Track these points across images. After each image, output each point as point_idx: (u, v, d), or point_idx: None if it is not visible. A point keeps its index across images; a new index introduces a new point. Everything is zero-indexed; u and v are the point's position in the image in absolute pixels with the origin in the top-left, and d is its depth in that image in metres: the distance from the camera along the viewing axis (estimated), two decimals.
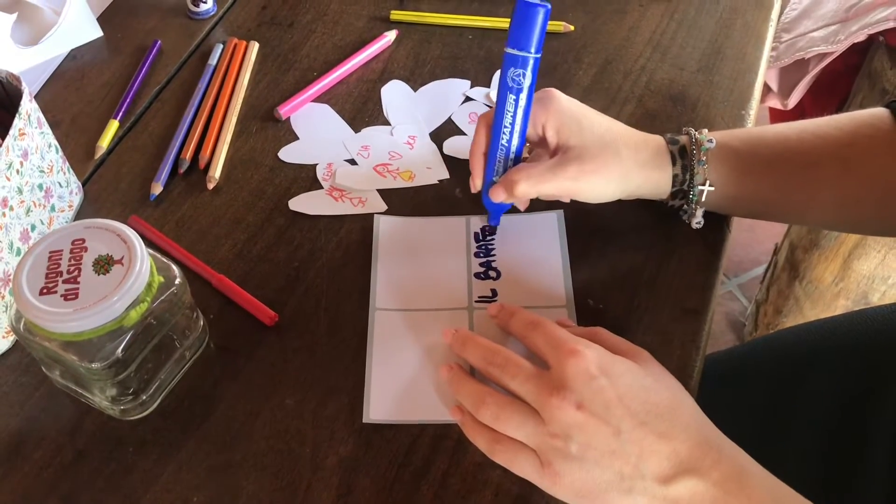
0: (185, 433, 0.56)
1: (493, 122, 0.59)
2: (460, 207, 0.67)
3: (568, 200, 0.62)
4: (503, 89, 0.57)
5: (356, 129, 0.73)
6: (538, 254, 0.63)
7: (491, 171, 0.61)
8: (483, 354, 0.54)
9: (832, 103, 1.31)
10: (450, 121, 0.73)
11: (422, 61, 0.79)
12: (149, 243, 0.65)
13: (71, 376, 0.55)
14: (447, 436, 0.55)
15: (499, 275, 0.62)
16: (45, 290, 0.50)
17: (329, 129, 0.73)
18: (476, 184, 0.62)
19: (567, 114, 0.59)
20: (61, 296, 0.50)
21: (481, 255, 0.63)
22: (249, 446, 0.55)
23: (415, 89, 0.76)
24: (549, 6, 0.55)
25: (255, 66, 0.79)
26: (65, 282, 0.50)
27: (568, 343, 0.50)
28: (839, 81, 1.26)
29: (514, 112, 0.58)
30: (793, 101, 1.24)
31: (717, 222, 0.64)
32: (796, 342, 0.75)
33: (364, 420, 0.55)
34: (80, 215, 0.68)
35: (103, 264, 0.51)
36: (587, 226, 0.65)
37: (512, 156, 0.60)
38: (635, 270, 0.62)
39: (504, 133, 0.59)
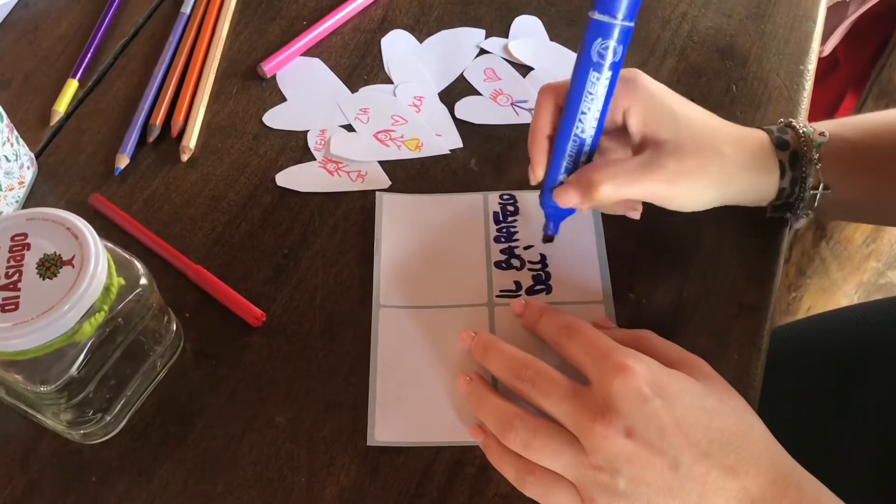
0: (158, 458, 0.47)
1: (567, 104, 0.47)
2: (476, 182, 0.57)
3: (638, 216, 0.52)
4: (585, 65, 0.46)
5: (353, 89, 0.63)
6: (569, 238, 0.54)
7: (558, 166, 0.49)
8: (509, 366, 0.45)
9: (867, 50, 1.21)
10: (462, 78, 0.64)
11: (428, 7, 0.68)
12: (113, 227, 0.56)
13: (17, 395, 0.46)
14: (467, 461, 0.47)
15: (523, 264, 0.53)
16: None
17: (321, 89, 0.63)
18: (537, 174, 0.50)
19: (657, 101, 0.49)
20: None
21: (502, 240, 0.54)
22: (233, 474, 0.47)
23: (420, 41, 0.66)
24: None
25: (235, 14, 0.68)
26: (2, 288, 0.41)
27: (613, 355, 0.42)
28: (878, 26, 1.16)
29: (595, 94, 0.46)
30: (828, 47, 1.14)
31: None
32: (850, 325, 0.67)
33: (368, 442, 0.47)
34: (33, 193, 0.58)
35: (49, 266, 0.42)
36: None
37: (587, 149, 0.49)
38: (683, 258, 0.53)
39: (581, 120, 0.47)
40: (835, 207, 0.52)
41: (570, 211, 0.51)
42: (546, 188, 0.50)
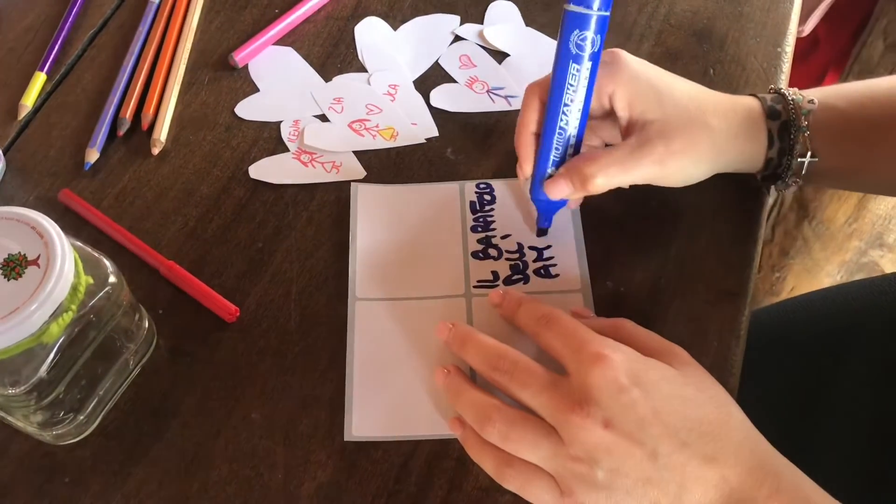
0: (132, 458, 0.47)
1: (550, 98, 0.47)
2: (453, 171, 0.57)
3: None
4: (564, 57, 0.46)
5: (326, 78, 0.62)
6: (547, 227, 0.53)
7: (545, 159, 0.49)
8: (486, 357, 0.45)
9: (848, 28, 1.21)
10: (437, 65, 0.63)
11: None
12: (84, 223, 0.55)
13: None
14: (446, 454, 0.46)
15: (500, 253, 0.53)
16: None
17: (294, 79, 0.62)
18: (525, 170, 0.50)
19: (641, 81, 0.48)
20: None
21: (479, 229, 0.54)
22: (209, 473, 0.46)
23: (395, 28, 0.65)
24: None
25: (206, 3, 0.67)
26: None
27: (591, 345, 0.42)
28: (858, 4, 1.16)
29: (577, 86, 0.46)
30: (809, 27, 1.13)
31: (753, 185, 0.54)
32: (834, 306, 0.67)
33: (346, 437, 0.47)
34: (1, 190, 0.57)
35: (14, 266, 0.41)
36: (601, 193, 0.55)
37: (573, 140, 0.48)
38: (661, 244, 0.53)
39: (564, 113, 0.47)
40: (822, 176, 0.51)
41: (562, 203, 0.50)
42: (535, 182, 0.50)
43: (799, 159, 0.50)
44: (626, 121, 0.49)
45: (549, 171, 0.49)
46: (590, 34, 0.45)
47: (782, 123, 0.50)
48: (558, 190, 0.49)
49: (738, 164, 0.51)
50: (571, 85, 0.46)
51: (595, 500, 0.40)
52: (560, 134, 0.48)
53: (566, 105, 0.47)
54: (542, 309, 0.46)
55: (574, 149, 0.49)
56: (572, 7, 0.44)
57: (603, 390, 0.40)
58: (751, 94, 0.52)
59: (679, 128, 0.48)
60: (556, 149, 0.48)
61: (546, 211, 0.52)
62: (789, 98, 0.50)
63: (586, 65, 0.45)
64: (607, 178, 0.47)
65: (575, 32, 0.45)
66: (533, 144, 0.50)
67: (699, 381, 0.42)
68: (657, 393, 0.40)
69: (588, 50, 0.45)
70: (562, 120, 0.47)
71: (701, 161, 0.49)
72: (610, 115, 0.50)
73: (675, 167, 0.48)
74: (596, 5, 0.44)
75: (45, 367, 0.42)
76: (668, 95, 0.49)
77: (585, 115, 0.48)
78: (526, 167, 0.50)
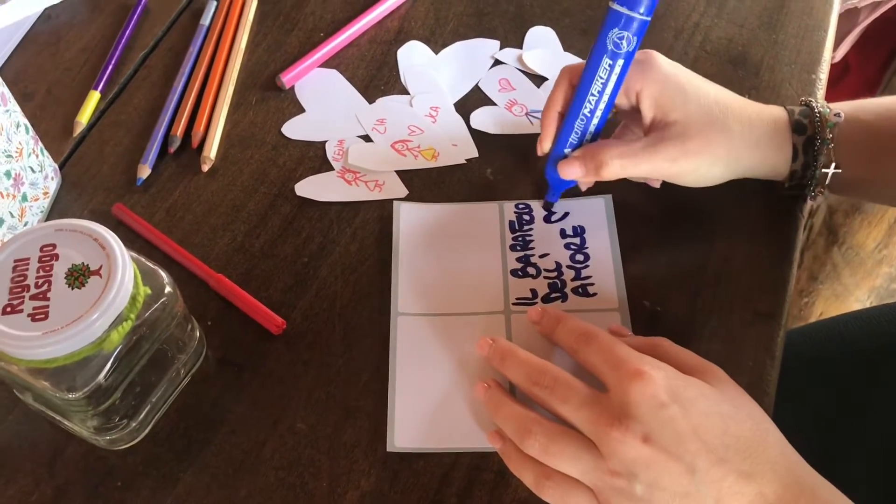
0: (182, 463, 0.48)
1: (580, 85, 0.50)
2: (492, 191, 0.58)
3: (658, 185, 0.54)
4: (599, 51, 0.48)
5: (370, 100, 0.64)
6: (585, 246, 0.55)
7: (564, 140, 0.52)
8: (526, 373, 0.46)
9: (879, 56, 1.21)
10: (477, 89, 0.64)
11: (443, 19, 0.69)
12: (136, 236, 0.57)
13: (45, 402, 0.47)
14: (486, 467, 0.47)
15: (539, 272, 0.54)
16: (8, 309, 0.42)
17: (339, 100, 0.64)
18: (544, 146, 0.53)
19: (669, 83, 0.51)
20: (28, 315, 0.42)
21: (518, 248, 0.55)
22: (256, 479, 0.47)
23: (436, 52, 0.67)
24: None
25: (254, 26, 0.69)
26: (32, 298, 0.42)
27: (630, 361, 0.43)
28: (890, 31, 1.16)
29: (607, 80, 0.49)
30: (840, 53, 1.14)
31: (789, 207, 0.55)
32: (868, 328, 0.67)
33: (388, 448, 0.48)
34: (57, 203, 0.59)
35: (78, 276, 0.43)
36: (638, 213, 0.56)
37: (592, 129, 0.51)
38: (697, 265, 0.54)
39: (589, 101, 0.50)
40: (847, 186, 0.53)
41: (572, 182, 0.54)
42: (551, 159, 0.53)
43: (822, 170, 0.51)
44: (649, 119, 0.51)
45: (565, 151, 0.52)
46: (628, 34, 0.47)
47: (807, 138, 0.52)
48: (571, 171, 0.52)
49: (760, 172, 0.53)
50: (601, 77, 0.49)
51: None
52: (582, 120, 0.51)
53: (593, 95, 0.50)
54: (581, 326, 0.47)
55: (592, 136, 0.52)
56: (616, 6, 0.47)
57: (642, 406, 0.41)
58: (782, 105, 0.53)
59: (698, 129, 0.50)
60: (576, 133, 0.52)
61: (556, 187, 0.55)
62: (816, 111, 0.52)
63: (619, 62, 0.48)
64: (620, 167, 0.50)
65: (615, 30, 0.47)
66: (556, 123, 0.53)
67: (736, 399, 0.43)
68: (695, 409, 0.41)
69: (624, 49, 0.48)
70: (585, 108, 0.50)
71: (716, 163, 0.51)
72: (635, 111, 0.52)
73: (688, 167, 0.51)
74: (640, 9, 0.47)
75: (103, 374, 0.43)
76: (693, 97, 0.51)
77: (609, 108, 0.51)
78: (546, 143, 0.53)
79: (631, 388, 0.41)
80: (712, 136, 0.50)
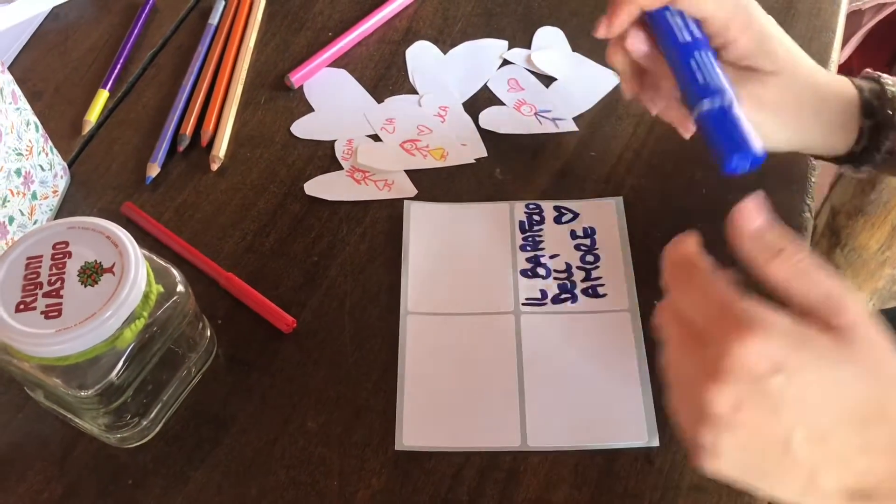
0: (193, 461, 0.48)
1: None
2: (501, 191, 0.58)
3: (688, 135, 0.50)
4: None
5: (379, 100, 0.64)
6: (595, 246, 0.55)
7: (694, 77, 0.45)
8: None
9: (882, 58, 1.22)
10: (486, 88, 0.64)
11: (451, 19, 0.69)
12: (145, 235, 0.57)
13: (56, 399, 0.47)
14: (497, 466, 0.47)
15: (549, 272, 0.54)
16: (21, 306, 0.42)
17: (348, 99, 0.64)
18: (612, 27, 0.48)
19: (767, 35, 0.48)
20: (41, 312, 0.42)
21: (528, 248, 0.55)
22: (267, 478, 0.47)
23: (444, 52, 0.67)
24: None
25: (262, 25, 0.69)
26: (45, 295, 0.42)
27: (740, 317, 0.34)
28: (893, 34, 1.17)
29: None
30: (844, 55, 1.14)
31: (795, 208, 0.56)
32: None
33: (396, 447, 0.48)
34: (66, 202, 0.59)
35: (91, 273, 0.43)
36: (647, 213, 0.56)
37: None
38: None
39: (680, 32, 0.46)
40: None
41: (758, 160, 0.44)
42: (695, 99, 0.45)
43: (885, 154, 0.49)
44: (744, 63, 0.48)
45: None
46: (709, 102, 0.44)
47: (875, 124, 0.49)
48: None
49: (819, 149, 0.51)
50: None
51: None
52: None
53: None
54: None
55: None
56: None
57: (735, 372, 0.33)
58: (853, 80, 0.50)
59: (781, 90, 0.48)
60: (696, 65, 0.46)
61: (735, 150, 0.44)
62: (888, 91, 0.49)
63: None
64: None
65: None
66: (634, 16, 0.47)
67: (863, 359, 0.34)
68: (802, 379, 0.33)
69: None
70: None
71: (781, 128, 0.49)
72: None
73: (759, 117, 0.46)
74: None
75: (115, 372, 0.44)
76: (789, 60, 0.48)
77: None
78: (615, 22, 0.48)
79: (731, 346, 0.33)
80: (789, 102, 0.48)
